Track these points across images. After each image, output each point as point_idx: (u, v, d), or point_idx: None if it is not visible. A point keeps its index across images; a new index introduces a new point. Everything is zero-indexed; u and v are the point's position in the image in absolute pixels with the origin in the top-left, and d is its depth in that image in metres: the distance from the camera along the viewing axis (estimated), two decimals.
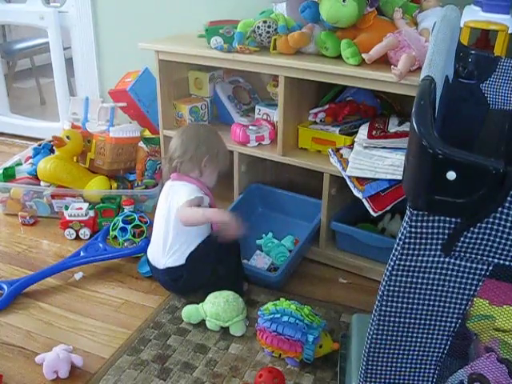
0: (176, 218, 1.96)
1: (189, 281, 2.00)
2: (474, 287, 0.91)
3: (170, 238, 1.99)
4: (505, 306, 1.47)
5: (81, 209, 2.49)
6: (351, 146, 2.15)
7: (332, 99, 2.43)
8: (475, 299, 1.52)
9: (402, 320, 0.97)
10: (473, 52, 1.49)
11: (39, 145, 2.90)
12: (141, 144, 2.83)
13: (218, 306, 1.90)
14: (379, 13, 2.08)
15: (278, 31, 2.16)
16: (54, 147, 2.67)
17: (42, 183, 2.65)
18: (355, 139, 2.15)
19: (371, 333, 1.01)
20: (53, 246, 2.45)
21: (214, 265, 2.00)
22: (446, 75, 1.26)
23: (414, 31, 1.96)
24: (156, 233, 2.06)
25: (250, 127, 2.38)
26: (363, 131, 2.14)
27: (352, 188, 2.05)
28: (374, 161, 2.02)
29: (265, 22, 2.16)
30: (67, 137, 2.61)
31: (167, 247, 1.99)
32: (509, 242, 0.82)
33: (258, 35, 2.19)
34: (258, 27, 2.17)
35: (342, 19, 1.99)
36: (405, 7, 2.03)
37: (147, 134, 2.95)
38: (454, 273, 0.90)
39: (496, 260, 0.86)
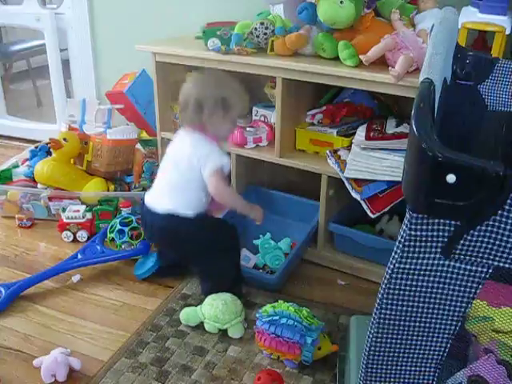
0: (191, 167, 1.91)
1: (189, 239, 1.96)
2: (473, 290, 0.91)
3: (180, 182, 1.94)
4: (503, 308, 1.47)
5: (78, 211, 2.49)
6: (349, 148, 2.15)
7: (329, 101, 2.43)
8: (474, 301, 1.52)
9: (401, 323, 0.97)
10: (470, 53, 1.49)
11: (36, 147, 2.90)
12: (138, 146, 2.82)
13: (216, 308, 1.90)
14: (377, 14, 2.08)
15: (275, 33, 2.16)
16: (50, 149, 2.66)
17: (39, 185, 2.65)
18: (353, 141, 2.15)
19: (371, 335, 1.01)
20: (50, 248, 2.45)
21: (216, 237, 2.00)
22: (444, 77, 1.26)
23: (411, 32, 1.96)
24: (163, 176, 2.00)
25: (248, 129, 2.38)
26: (361, 132, 2.14)
27: (350, 189, 2.05)
28: (372, 162, 2.02)
29: (262, 23, 2.16)
30: (64, 139, 2.60)
31: (177, 190, 1.95)
32: (509, 245, 0.82)
33: (256, 37, 2.19)
34: (256, 29, 2.17)
35: (340, 21, 1.99)
36: (402, 8, 2.03)
37: (144, 135, 2.95)
38: (454, 276, 0.90)
39: (496, 263, 0.86)
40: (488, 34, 2.02)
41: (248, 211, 2.02)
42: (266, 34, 2.17)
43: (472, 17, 1.92)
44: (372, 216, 2.02)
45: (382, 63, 1.96)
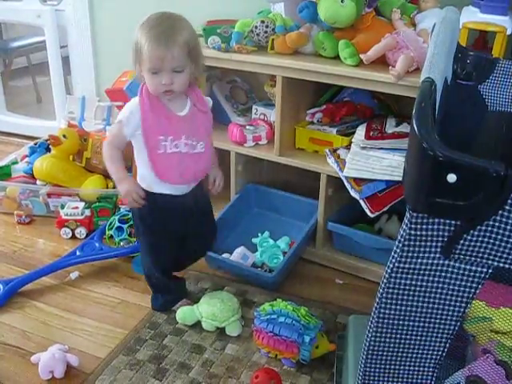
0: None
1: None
2: (473, 290, 0.91)
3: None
4: (502, 308, 1.47)
5: (77, 208, 2.49)
6: (348, 147, 2.15)
7: (329, 99, 2.42)
8: (473, 301, 1.52)
9: (400, 322, 0.97)
10: (471, 53, 1.49)
11: (35, 143, 2.90)
12: None
13: (213, 307, 1.90)
14: (377, 13, 2.08)
15: (275, 31, 2.16)
16: (50, 146, 2.66)
17: (38, 182, 2.65)
18: (352, 140, 2.15)
19: (370, 334, 1.01)
20: (49, 245, 2.44)
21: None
22: (445, 77, 1.26)
23: (412, 32, 1.96)
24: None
25: (247, 127, 2.38)
26: (360, 132, 2.14)
27: (349, 188, 2.05)
28: (372, 161, 2.02)
29: (262, 21, 2.16)
30: (63, 135, 2.60)
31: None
32: (509, 245, 0.82)
33: (256, 35, 2.18)
34: (256, 27, 2.17)
35: (340, 20, 1.99)
36: (403, 8, 2.04)
37: None
38: (454, 275, 0.90)
39: (496, 263, 0.86)
40: (489, 34, 2.02)
41: (117, 183, 1.78)
42: (266, 32, 2.17)
43: (473, 17, 1.92)
44: (371, 215, 2.02)
45: (382, 62, 1.96)
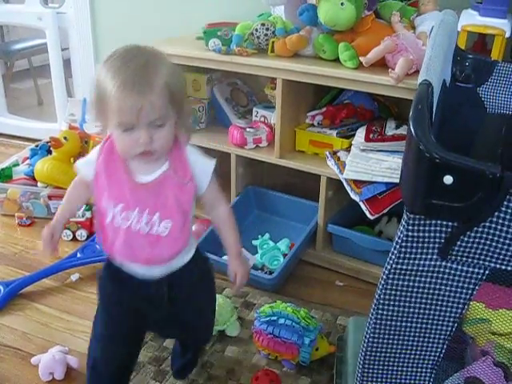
0: None
1: None
2: (470, 291, 0.91)
3: None
4: (500, 310, 1.47)
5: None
6: (348, 149, 2.15)
7: (329, 102, 2.43)
8: (471, 302, 1.52)
9: (398, 323, 0.98)
10: (470, 56, 1.50)
11: (36, 145, 2.90)
12: None
13: None
14: (377, 16, 2.09)
15: (275, 34, 2.16)
16: (51, 148, 2.66)
17: (39, 184, 2.65)
18: (352, 142, 2.15)
19: (368, 336, 1.01)
20: None
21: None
22: (443, 79, 1.27)
23: (411, 35, 1.96)
24: None
25: (248, 129, 2.38)
26: (360, 134, 2.15)
27: (349, 191, 2.06)
28: (371, 164, 2.02)
29: (263, 24, 2.17)
30: (65, 138, 2.61)
31: None
32: (505, 246, 0.83)
33: (256, 38, 2.19)
34: (256, 30, 2.18)
35: (340, 22, 1.99)
36: (402, 11, 2.04)
37: None
38: (451, 277, 0.90)
39: (493, 264, 0.86)
40: (488, 37, 2.03)
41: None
42: (266, 35, 2.18)
43: (472, 20, 1.92)
44: (371, 217, 2.03)
45: (382, 65, 1.97)
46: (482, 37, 2.07)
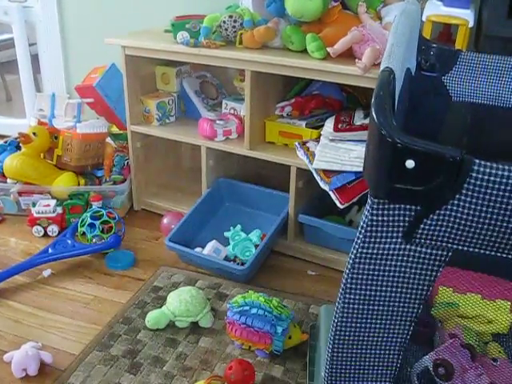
0: None
1: None
2: (434, 273, 0.93)
3: None
4: (468, 294, 1.51)
5: (48, 205, 2.48)
6: (318, 140, 2.17)
7: (298, 93, 2.44)
8: (440, 287, 1.55)
9: (365, 307, 0.99)
10: (434, 45, 1.52)
11: (5, 142, 2.87)
12: (108, 140, 2.81)
13: (186, 303, 1.90)
14: (344, 7, 2.10)
15: (243, 26, 2.17)
16: (20, 144, 2.64)
17: (8, 180, 2.62)
18: (321, 132, 2.17)
19: (336, 321, 1.03)
20: (20, 243, 2.43)
21: None
22: (408, 68, 1.29)
23: (378, 25, 1.98)
24: None
25: (218, 121, 2.39)
26: (329, 124, 2.16)
27: (319, 180, 2.07)
28: (341, 153, 2.04)
29: (231, 16, 2.17)
30: (34, 133, 2.58)
31: None
32: (466, 228, 0.84)
33: (224, 30, 2.20)
34: (224, 22, 2.18)
35: (307, 13, 2.01)
36: (369, 2, 2.06)
37: (115, 129, 2.93)
38: (415, 259, 0.92)
39: (455, 246, 0.88)
40: (453, 27, 2.06)
41: None
42: (234, 27, 2.18)
43: (436, 10, 1.95)
44: (340, 206, 2.04)
45: (349, 56, 1.98)
46: (447, 27, 2.10)
